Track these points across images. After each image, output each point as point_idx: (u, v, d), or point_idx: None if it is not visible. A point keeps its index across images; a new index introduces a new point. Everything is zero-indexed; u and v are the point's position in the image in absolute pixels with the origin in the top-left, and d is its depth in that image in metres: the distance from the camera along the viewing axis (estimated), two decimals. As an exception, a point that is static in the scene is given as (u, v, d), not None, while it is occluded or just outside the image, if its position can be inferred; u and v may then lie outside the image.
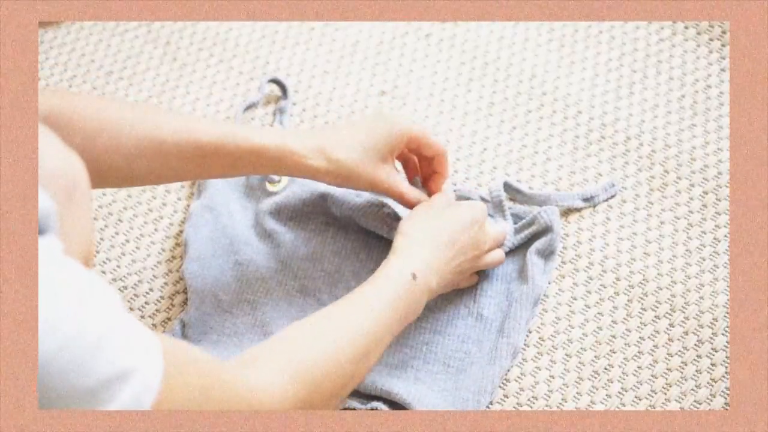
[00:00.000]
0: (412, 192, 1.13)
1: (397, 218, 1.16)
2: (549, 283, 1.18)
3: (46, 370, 0.74)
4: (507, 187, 1.22)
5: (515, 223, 1.19)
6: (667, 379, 1.12)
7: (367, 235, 1.20)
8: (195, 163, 1.06)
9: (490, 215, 1.19)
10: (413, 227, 1.09)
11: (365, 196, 1.19)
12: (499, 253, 1.16)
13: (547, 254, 1.17)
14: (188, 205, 1.25)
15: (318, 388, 0.94)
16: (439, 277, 1.08)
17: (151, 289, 1.21)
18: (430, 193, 1.16)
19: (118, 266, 1.22)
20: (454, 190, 1.22)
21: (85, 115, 1.01)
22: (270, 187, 1.23)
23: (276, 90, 1.34)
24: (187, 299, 1.19)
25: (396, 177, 1.12)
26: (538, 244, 1.17)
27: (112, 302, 0.78)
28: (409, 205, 1.13)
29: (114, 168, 1.03)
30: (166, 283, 1.21)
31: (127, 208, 1.26)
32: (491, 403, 1.12)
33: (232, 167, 1.07)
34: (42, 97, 1.00)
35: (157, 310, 1.19)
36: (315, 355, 0.94)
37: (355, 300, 1.01)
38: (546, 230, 1.18)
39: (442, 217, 1.10)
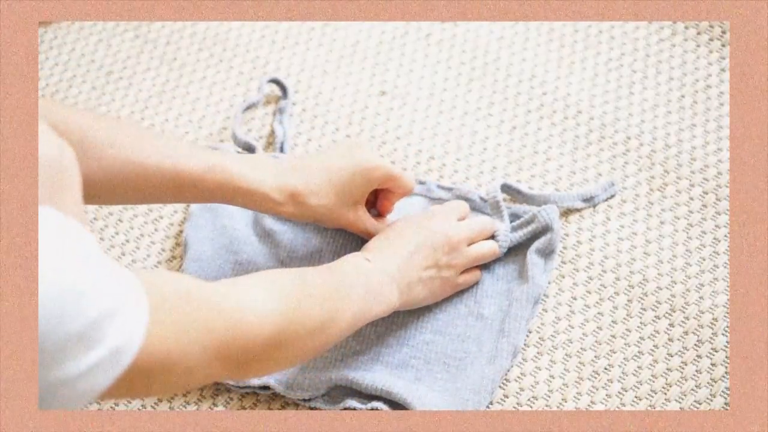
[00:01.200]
0: (379, 227, 1.16)
1: None
2: (549, 283, 1.18)
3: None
4: (506, 187, 1.22)
5: (513, 221, 1.19)
6: (667, 379, 1.12)
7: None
8: (173, 192, 1.09)
9: (486, 214, 1.19)
10: (376, 238, 1.13)
11: None
12: (474, 275, 1.17)
13: (547, 253, 1.17)
14: (188, 206, 1.25)
15: (299, 313, 0.96)
16: (398, 270, 1.09)
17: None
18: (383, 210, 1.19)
19: (118, 266, 1.22)
20: (453, 190, 1.22)
21: (73, 134, 1.03)
22: None
23: (276, 90, 1.34)
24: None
25: (364, 217, 1.15)
26: (538, 244, 1.17)
27: (88, 246, 0.79)
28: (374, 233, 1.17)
29: (94, 188, 1.04)
30: (166, 283, 1.21)
31: (127, 208, 1.26)
32: (491, 403, 1.12)
33: (209, 197, 1.10)
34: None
35: (157, 310, 1.19)
36: (295, 285, 0.97)
37: (319, 269, 1.04)
38: (545, 229, 1.18)
39: (406, 225, 1.13)
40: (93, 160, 1.04)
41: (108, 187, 1.05)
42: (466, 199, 1.21)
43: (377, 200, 1.19)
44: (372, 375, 1.11)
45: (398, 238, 1.11)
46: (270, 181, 1.10)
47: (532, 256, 1.16)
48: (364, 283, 1.05)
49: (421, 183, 1.24)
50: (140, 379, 0.81)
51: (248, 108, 1.31)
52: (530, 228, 1.18)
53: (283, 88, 1.32)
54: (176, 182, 1.08)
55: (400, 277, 1.09)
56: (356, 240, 1.20)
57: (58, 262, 0.76)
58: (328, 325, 0.99)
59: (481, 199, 1.21)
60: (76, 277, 0.77)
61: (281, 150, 1.28)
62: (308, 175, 1.12)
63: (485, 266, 1.18)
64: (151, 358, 0.82)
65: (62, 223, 0.78)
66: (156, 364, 0.82)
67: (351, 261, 1.07)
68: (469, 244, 1.15)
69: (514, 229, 1.18)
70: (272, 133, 1.30)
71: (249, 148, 1.25)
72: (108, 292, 0.79)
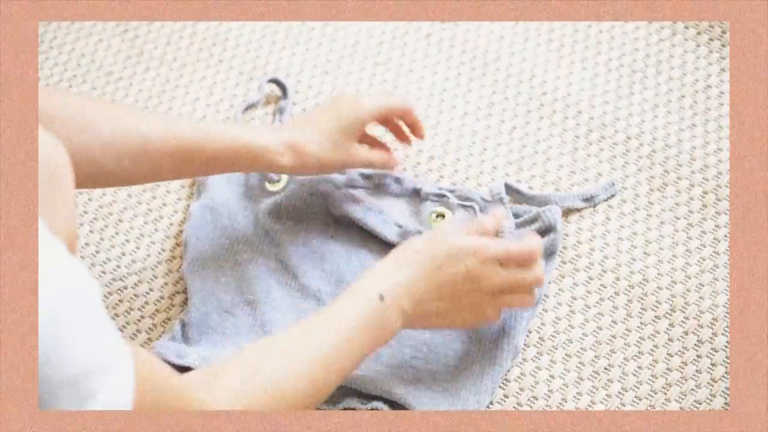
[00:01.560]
0: (381, 155, 1.18)
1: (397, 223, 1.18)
2: (549, 283, 1.18)
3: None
4: (507, 188, 1.22)
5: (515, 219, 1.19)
6: (667, 379, 1.12)
7: (367, 236, 1.20)
8: (175, 160, 1.09)
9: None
10: (401, 249, 1.07)
11: (365, 200, 1.20)
12: (524, 299, 1.09)
13: (548, 254, 1.17)
14: (188, 205, 1.25)
15: (271, 402, 0.94)
16: (414, 302, 1.04)
17: (151, 289, 1.21)
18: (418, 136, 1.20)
19: (118, 266, 1.22)
20: (453, 191, 1.22)
21: (69, 113, 1.03)
22: (270, 187, 1.23)
23: (276, 90, 1.34)
24: (187, 299, 1.19)
25: (362, 151, 1.16)
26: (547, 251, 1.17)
27: (92, 294, 0.77)
28: (387, 165, 1.18)
29: (96, 166, 1.04)
30: (166, 283, 1.21)
31: (127, 208, 1.26)
32: (491, 403, 1.12)
33: (211, 165, 1.11)
34: None
35: (157, 310, 1.19)
36: (271, 379, 0.95)
37: (318, 321, 1.01)
38: (549, 230, 1.18)
39: (437, 244, 1.06)
40: (92, 136, 1.04)
41: (108, 164, 1.05)
42: (467, 199, 1.21)
43: (396, 136, 1.21)
44: (372, 375, 1.11)
45: (418, 264, 1.05)
46: (268, 135, 1.12)
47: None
48: (370, 328, 1.01)
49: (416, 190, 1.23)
50: None
51: (248, 108, 1.31)
52: (534, 227, 1.18)
53: (283, 88, 1.32)
54: (176, 151, 1.08)
55: (411, 311, 1.04)
56: (357, 240, 1.20)
57: (56, 303, 0.74)
58: (311, 401, 0.98)
59: (483, 199, 1.21)
60: (72, 326, 0.75)
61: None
62: (302, 127, 1.14)
63: None
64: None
65: (65, 260, 0.76)
66: None
67: (363, 300, 1.02)
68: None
69: (517, 226, 1.18)
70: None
71: None
72: (103, 344, 0.77)
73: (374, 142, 1.20)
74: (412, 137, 1.22)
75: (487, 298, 1.07)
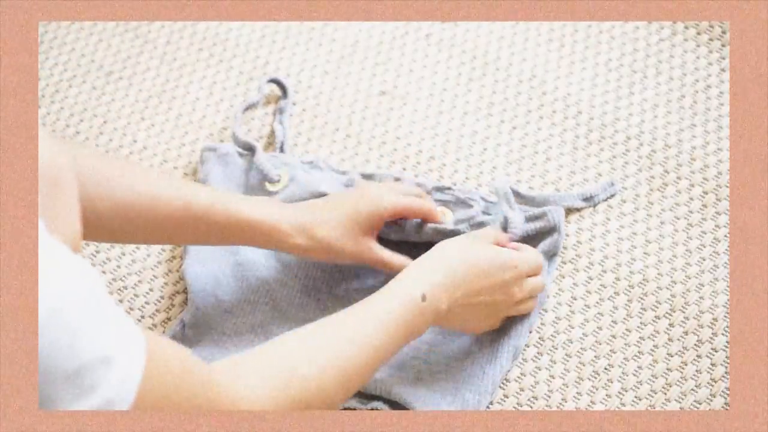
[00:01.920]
0: (395, 258, 1.14)
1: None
2: (549, 283, 1.18)
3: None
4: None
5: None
6: (667, 379, 1.12)
7: None
8: (183, 228, 1.08)
9: (487, 214, 1.19)
10: (442, 249, 1.07)
11: None
12: (530, 304, 1.13)
13: (550, 255, 1.17)
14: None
15: (300, 405, 0.93)
16: (450, 303, 1.05)
17: (151, 289, 1.20)
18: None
19: (118, 266, 1.22)
20: (452, 191, 1.21)
21: (84, 167, 1.02)
22: (270, 187, 1.23)
23: (276, 90, 1.34)
24: (187, 299, 1.19)
25: (377, 249, 1.14)
26: (543, 245, 1.16)
27: (91, 285, 0.77)
28: (394, 269, 1.12)
29: (103, 223, 1.03)
30: (166, 283, 1.21)
31: (127, 208, 1.26)
32: (491, 403, 1.12)
33: (218, 236, 1.10)
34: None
35: (157, 310, 1.19)
36: (304, 369, 0.93)
37: (358, 314, 1.00)
38: (552, 230, 1.17)
39: (476, 251, 1.08)
40: (105, 193, 1.03)
41: (116, 223, 1.04)
42: (468, 199, 1.21)
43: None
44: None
45: (464, 280, 1.06)
46: (278, 214, 1.11)
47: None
48: (408, 326, 1.01)
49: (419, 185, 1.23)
50: None
51: (248, 108, 1.31)
52: (539, 224, 1.17)
53: (283, 88, 1.32)
54: (186, 219, 1.07)
55: (447, 311, 1.05)
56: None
57: (56, 299, 0.74)
58: (341, 395, 0.96)
59: (482, 199, 1.20)
60: (74, 315, 0.75)
61: (281, 150, 1.28)
62: (315, 210, 1.13)
63: None
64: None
65: (66, 256, 0.77)
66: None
67: (405, 298, 1.02)
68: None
69: (527, 220, 1.17)
70: (272, 133, 1.30)
71: (249, 148, 1.25)
72: (107, 337, 0.77)
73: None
74: None
75: (505, 308, 1.11)
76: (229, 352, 1.13)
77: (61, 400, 0.75)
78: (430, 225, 1.17)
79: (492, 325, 1.11)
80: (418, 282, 1.03)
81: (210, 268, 1.19)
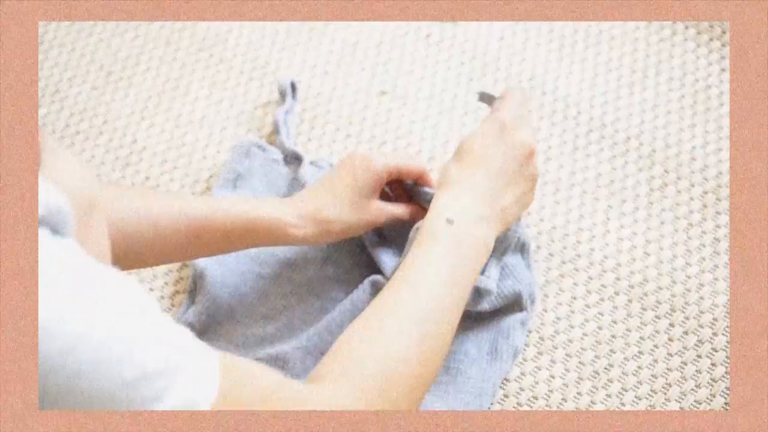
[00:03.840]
0: (405, 208, 1.15)
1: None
2: (548, 283, 1.18)
3: (70, 363, 0.73)
4: (482, 95, 1.17)
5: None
6: (667, 379, 1.12)
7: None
8: (187, 238, 1.07)
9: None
10: (451, 169, 1.07)
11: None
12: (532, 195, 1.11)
13: (519, 248, 1.15)
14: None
15: (390, 388, 0.91)
16: (490, 206, 1.04)
17: (151, 289, 1.20)
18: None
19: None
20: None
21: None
22: None
23: (275, 90, 1.34)
24: (186, 299, 1.18)
25: (386, 207, 1.14)
26: (501, 247, 1.13)
27: (150, 305, 0.78)
28: (412, 217, 1.15)
29: (113, 246, 1.02)
30: (166, 283, 1.21)
31: (127, 208, 1.26)
32: (491, 403, 1.12)
33: (225, 241, 1.09)
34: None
35: (157, 310, 1.19)
36: (379, 355, 0.91)
37: (400, 279, 0.98)
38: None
39: (485, 149, 1.07)
40: (109, 222, 1.02)
41: (119, 245, 1.02)
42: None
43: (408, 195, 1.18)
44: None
45: (478, 165, 1.06)
46: (282, 208, 1.11)
47: (507, 259, 1.15)
48: (453, 254, 0.99)
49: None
50: None
51: (287, 113, 1.29)
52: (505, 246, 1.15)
53: (294, 90, 1.31)
54: (187, 228, 1.06)
55: (493, 213, 1.04)
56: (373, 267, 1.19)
57: (113, 313, 0.75)
58: (430, 361, 0.94)
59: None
60: (135, 329, 0.75)
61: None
62: (314, 196, 1.12)
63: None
64: None
65: (118, 276, 0.77)
66: None
67: (432, 231, 1.00)
68: None
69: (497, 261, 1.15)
70: (272, 133, 1.30)
71: (296, 158, 1.23)
72: (172, 348, 0.77)
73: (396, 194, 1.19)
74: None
75: (532, 177, 1.09)
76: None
77: (115, 405, 0.75)
78: (425, 189, 1.16)
79: (532, 196, 1.09)
80: (442, 207, 1.03)
81: (232, 275, 1.18)
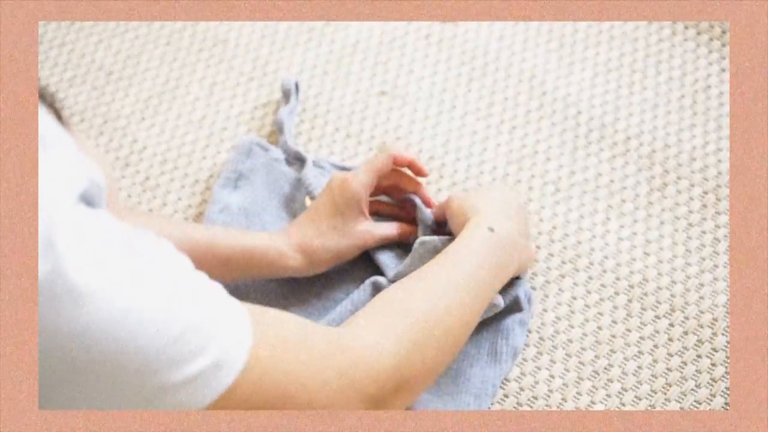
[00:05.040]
0: (395, 228, 1.17)
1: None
2: (548, 283, 1.18)
3: (126, 324, 0.75)
4: None
5: None
6: (667, 379, 1.12)
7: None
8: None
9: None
10: (474, 200, 1.11)
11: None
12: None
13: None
14: (203, 206, 1.25)
15: (423, 342, 0.94)
16: (517, 234, 1.08)
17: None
18: (427, 204, 1.18)
19: (118, 266, 1.22)
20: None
21: None
22: (310, 202, 1.21)
23: (275, 90, 1.34)
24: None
25: (375, 229, 1.15)
26: None
27: (184, 263, 0.81)
28: (402, 237, 1.17)
29: None
30: (166, 283, 1.21)
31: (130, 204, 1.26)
32: (491, 404, 1.12)
33: (224, 267, 1.11)
34: None
35: (157, 310, 1.19)
36: (415, 312, 0.94)
37: (441, 260, 1.02)
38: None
39: (494, 193, 1.13)
40: None
41: None
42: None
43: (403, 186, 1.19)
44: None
45: (500, 202, 1.11)
46: (279, 240, 1.13)
47: None
48: (491, 257, 1.04)
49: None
50: (256, 399, 0.81)
51: (291, 114, 1.30)
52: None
53: (297, 90, 1.31)
54: (189, 253, 1.07)
55: (521, 240, 1.09)
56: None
57: (157, 268, 0.77)
58: (452, 343, 0.98)
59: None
60: (177, 281, 0.78)
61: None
62: (303, 226, 1.14)
63: None
64: (265, 381, 0.81)
65: (154, 238, 0.80)
66: (271, 389, 0.82)
67: (475, 236, 1.05)
68: None
69: None
70: (272, 133, 1.30)
71: (299, 159, 1.24)
72: (209, 301, 0.80)
73: (386, 209, 1.20)
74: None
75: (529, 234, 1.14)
76: None
77: (169, 366, 0.77)
78: (418, 201, 1.17)
79: (530, 256, 1.13)
80: (482, 220, 1.07)
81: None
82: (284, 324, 0.86)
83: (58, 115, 0.82)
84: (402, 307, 0.95)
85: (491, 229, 1.06)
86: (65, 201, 0.75)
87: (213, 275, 1.09)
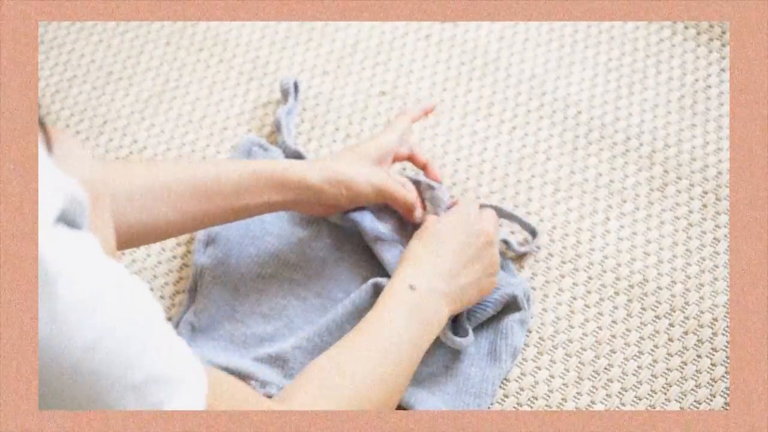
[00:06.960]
0: (417, 198, 1.17)
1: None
2: (548, 283, 1.18)
3: (90, 361, 0.74)
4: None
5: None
6: (667, 379, 1.12)
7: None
8: (197, 199, 1.07)
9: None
10: (416, 245, 1.11)
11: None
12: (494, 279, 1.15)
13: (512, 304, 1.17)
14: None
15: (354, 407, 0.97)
16: (447, 283, 1.07)
17: (151, 289, 1.20)
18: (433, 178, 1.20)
19: (118, 266, 1.22)
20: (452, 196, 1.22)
21: (108, 180, 1.02)
22: None
23: (275, 90, 1.34)
24: (187, 298, 1.18)
25: (397, 179, 1.16)
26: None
27: (158, 310, 0.79)
28: (413, 210, 1.17)
29: (120, 224, 1.02)
30: (166, 283, 1.21)
31: (127, 208, 1.26)
32: (491, 404, 1.12)
33: (236, 197, 1.09)
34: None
35: (157, 310, 1.19)
36: (345, 388, 0.97)
37: (366, 325, 1.03)
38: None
39: (458, 231, 1.11)
40: (131, 194, 1.03)
41: (131, 219, 1.03)
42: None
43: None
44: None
45: (440, 244, 1.10)
46: (307, 168, 1.11)
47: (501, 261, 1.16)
48: (414, 318, 1.04)
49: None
50: None
51: (289, 113, 1.30)
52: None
53: (296, 89, 1.31)
54: (196, 188, 1.07)
55: (449, 289, 1.08)
56: (361, 243, 1.20)
57: (129, 313, 0.76)
58: (386, 399, 1.00)
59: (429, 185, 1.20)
60: (145, 332, 0.77)
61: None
62: (334, 160, 1.14)
63: None
64: None
65: (130, 279, 0.78)
66: None
67: (395, 294, 1.05)
68: None
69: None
70: (272, 132, 1.30)
71: (298, 157, 1.24)
72: (174, 357, 0.79)
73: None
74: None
75: (492, 265, 1.12)
76: (234, 360, 1.12)
77: (122, 406, 0.76)
78: (429, 182, 1.19)
79: (492, 283, 1.12)
80: (406, 275, 1.07)
81: (232, 276, 1.18)
82: (234, 394, 0.86)
83: (40, 123, 0.81)
84: (335, 380, 0.97)
85: (412, 288, 1.06)
86: (42, 225, 0.74)
87: (224, 210, 1.09)
